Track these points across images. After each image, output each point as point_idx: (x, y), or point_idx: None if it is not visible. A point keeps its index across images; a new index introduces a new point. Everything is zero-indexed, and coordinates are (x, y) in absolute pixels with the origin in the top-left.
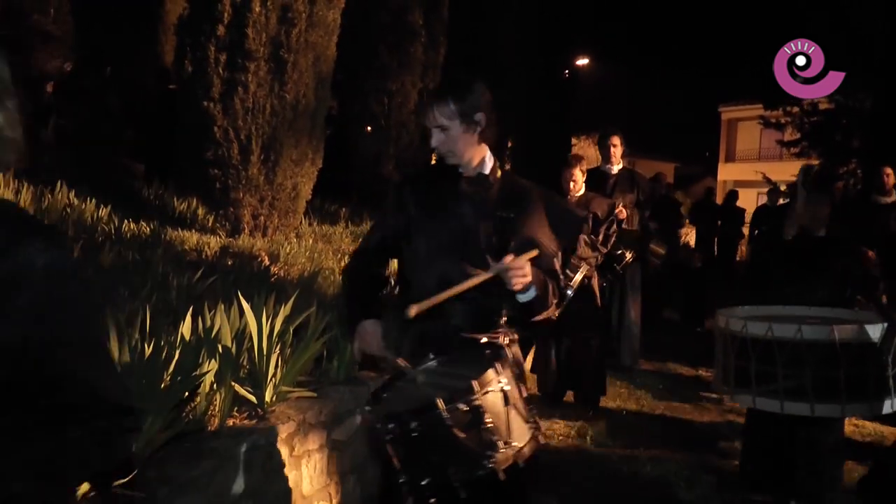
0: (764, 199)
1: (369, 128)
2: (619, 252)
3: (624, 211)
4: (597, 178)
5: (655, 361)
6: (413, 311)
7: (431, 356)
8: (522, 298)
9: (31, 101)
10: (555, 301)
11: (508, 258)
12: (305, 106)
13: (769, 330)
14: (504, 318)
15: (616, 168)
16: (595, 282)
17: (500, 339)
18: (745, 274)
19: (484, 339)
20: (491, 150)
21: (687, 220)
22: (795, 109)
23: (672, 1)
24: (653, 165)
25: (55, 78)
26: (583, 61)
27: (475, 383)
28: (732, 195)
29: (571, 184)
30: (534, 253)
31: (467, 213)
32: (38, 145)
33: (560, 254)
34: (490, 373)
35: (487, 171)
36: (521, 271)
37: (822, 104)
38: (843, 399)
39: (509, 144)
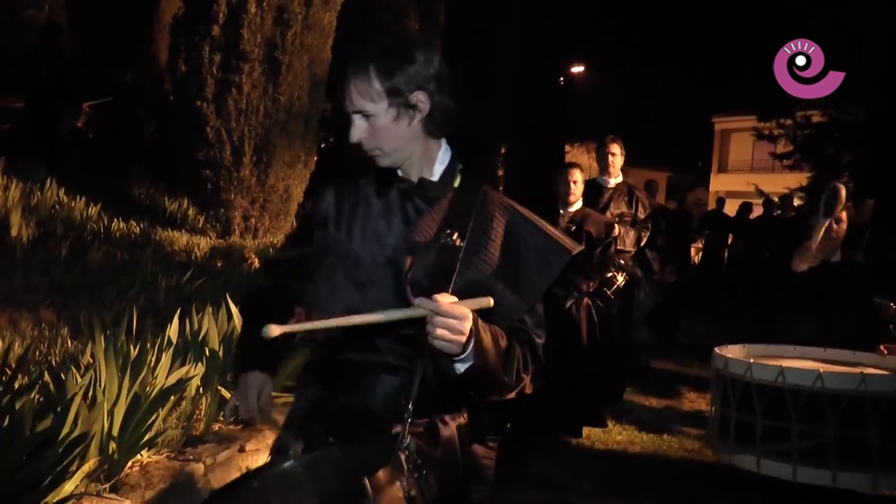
0: (757, 212)
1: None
2: (609, 275)
3: (617, 228)
4: (590, 191)
5: (632, 388)
6: (274, 330)
7: (331, 440)
8: (457, 368)
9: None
10: (526, 377)
11: (445, 298)
12: (299, 108)
13: (780, 375)
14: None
15: (613, 181)
16: (583, 313)
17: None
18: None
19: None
20: (452, 145)
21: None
22: (788, 122)
23: (668, 10)
24: (645, 174)
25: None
26: (578, 68)
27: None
28: (746, 207)
29: (571, 185)
30: (486, 302)
31: (395, 235)
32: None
33: (538, 308)
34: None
35: (436, 176)
36: (451, 321)
37: (815, 117)
38: (875, 467)
39: (503, 151)
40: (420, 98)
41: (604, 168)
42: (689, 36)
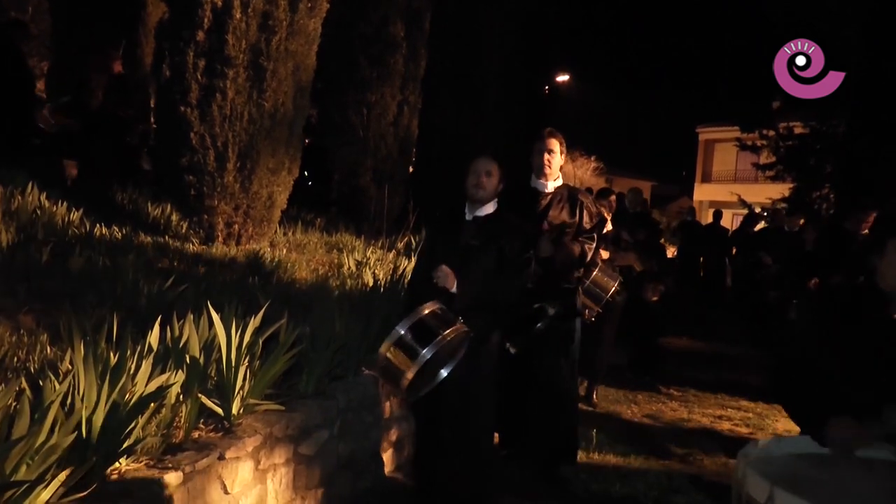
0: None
1: (349, 140)
2: (537, 306)
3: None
4: (524, 198)
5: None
6: None
7: None
8: None
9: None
10: None
11: None
12: (283, 114)
13: None
14: None
15: (551, 184)
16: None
17: None
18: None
19: None
20: None
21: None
22: (771, 133)
23: (654, 22)
24: (630, 183)
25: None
26: (563, 78)
27: None
28: (750, 219)
29: (484, 178)
30: None
31: None
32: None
33: None
34: None
35: None
36: None
37: (796, 128)
38: None
39: None
40: None
41: (539, 169)
42: (674, 47)
